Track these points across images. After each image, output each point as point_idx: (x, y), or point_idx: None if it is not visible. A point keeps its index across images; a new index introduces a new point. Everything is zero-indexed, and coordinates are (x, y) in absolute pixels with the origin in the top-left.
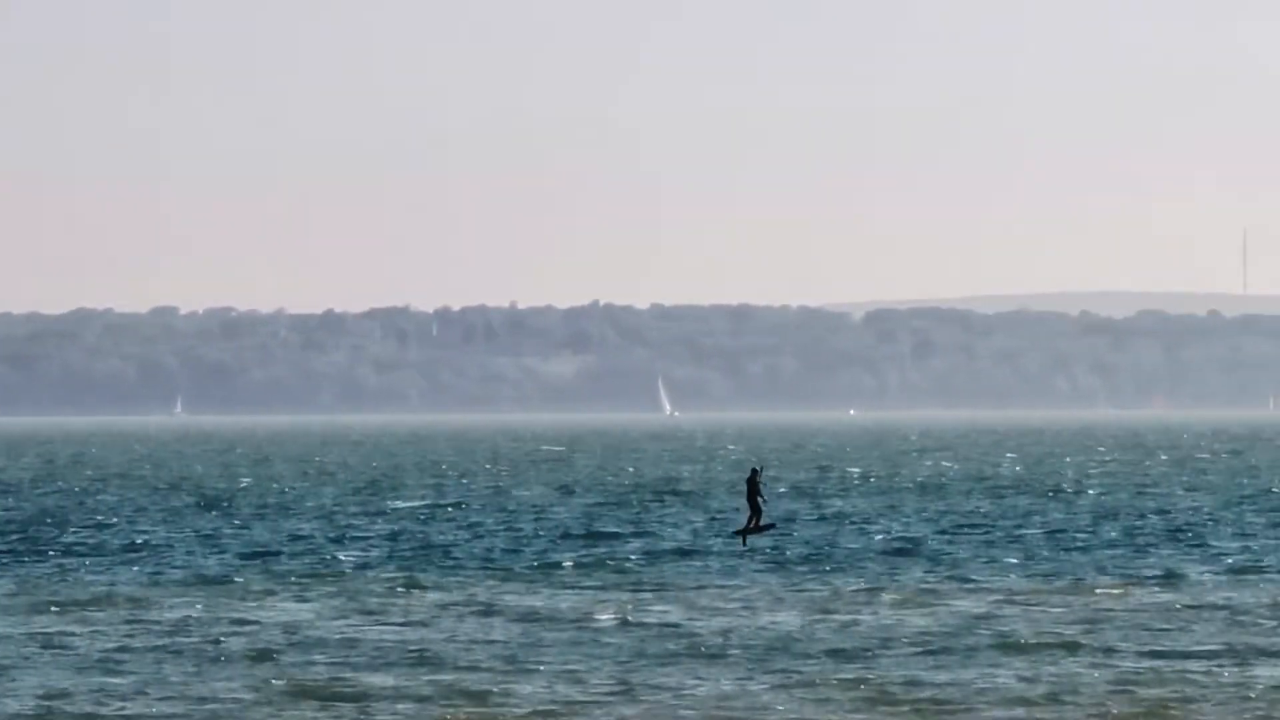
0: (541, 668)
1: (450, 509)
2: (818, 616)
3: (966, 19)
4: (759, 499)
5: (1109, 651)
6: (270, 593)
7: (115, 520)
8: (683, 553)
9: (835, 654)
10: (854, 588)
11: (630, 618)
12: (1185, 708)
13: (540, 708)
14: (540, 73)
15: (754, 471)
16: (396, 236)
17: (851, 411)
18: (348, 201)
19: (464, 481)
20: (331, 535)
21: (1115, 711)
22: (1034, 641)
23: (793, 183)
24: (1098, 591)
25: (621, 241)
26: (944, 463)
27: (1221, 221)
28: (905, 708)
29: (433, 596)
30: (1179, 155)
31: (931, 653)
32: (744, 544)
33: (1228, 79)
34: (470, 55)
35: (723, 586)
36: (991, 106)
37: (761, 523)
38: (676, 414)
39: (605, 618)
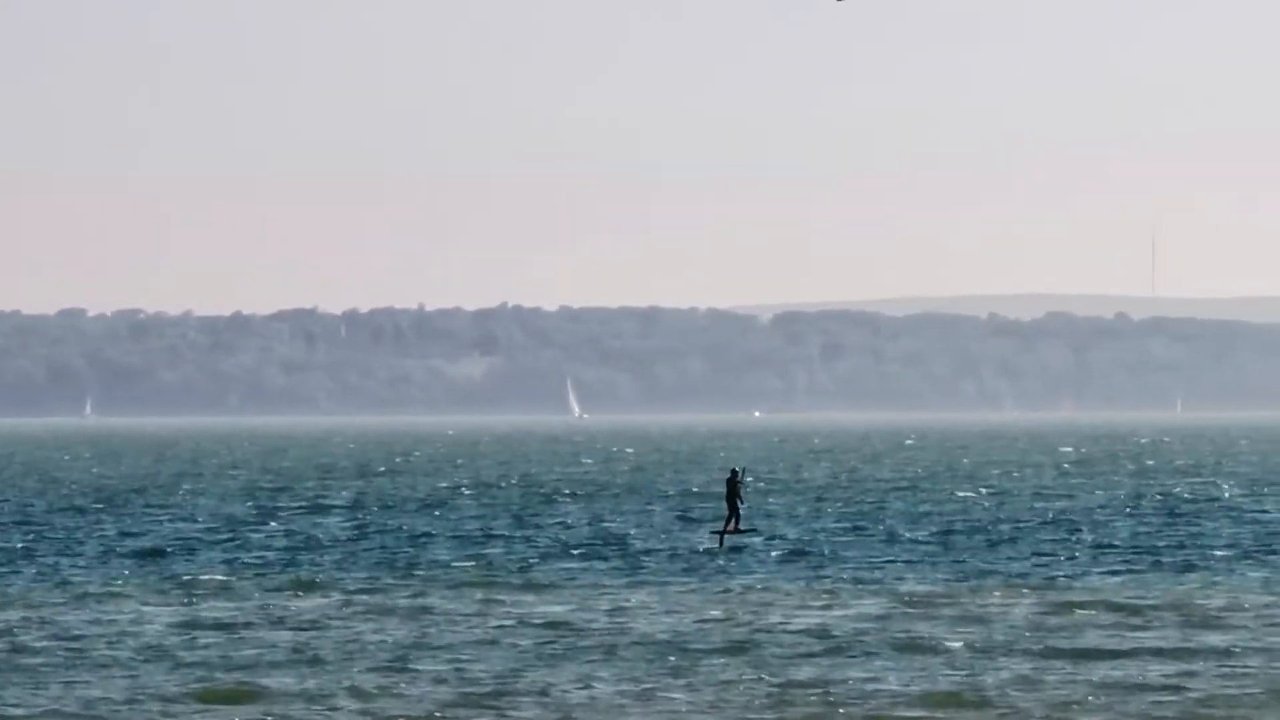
0: (435, 668)
1: (348, 509)
2: (714, 616)
3: (879, 26)
4: (738, 501)
5: (1009, 651)
6: (162, 593)
7: (10, 521)
8: (580, 553)
9: (732, 653)
10: (751, 588)
11: (525, 618)
12: (1084, 705)
13: (434, 709)
14: (448, 73)
15: (734, 473)
16: (304, 238)
17: (756, 414)
18: (255, 203)
19: (360, 482)
20: (226, 536)
21: (1015, 711)
22: (933, 642)
23: (701, 185)
24: (995, 593)
25: (530, 243)
26: (853, 464)
27: (1130, 224)
28: (804, 707)
29: (327, 597)
30: (1088, 157)
31: (831, 653)
32: (720, 545)
33: (1137, 81)
34: (387, 56)
35: (618, 587)
36: (901, 111)
37: (740, 526)
38: (585, 416)
39: (499, 617)
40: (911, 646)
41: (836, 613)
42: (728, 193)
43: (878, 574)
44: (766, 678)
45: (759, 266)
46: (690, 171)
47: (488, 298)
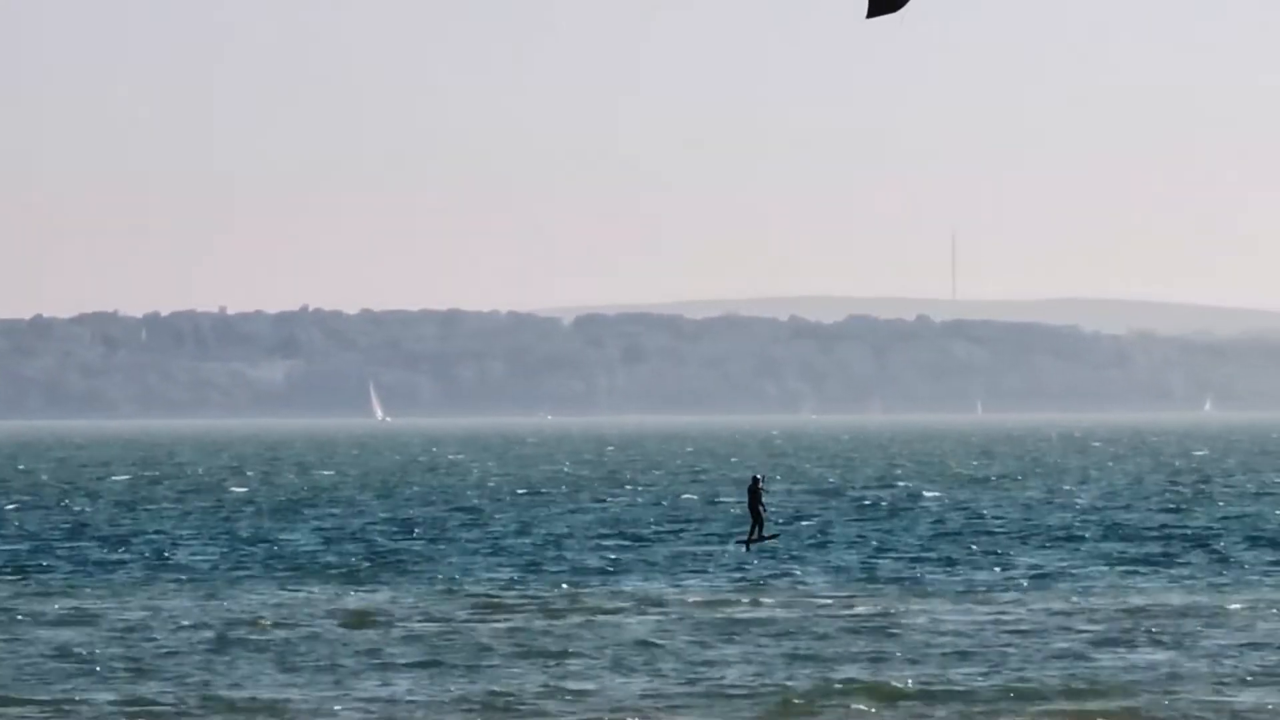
0: (201, 670)
1: (125, 509)
2: (425, 620)
3: (674, 29)
4: (760, 507)
5: (768, 660)
6: None
7: None
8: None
9: (430, 663)
10: (455, 588)
11: (284, 620)
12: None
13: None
14: (254, 78)
15: (755, 480)
16: (105, 241)
17: (548, 416)
18: (55, 205)
19: (125, 478)
20: None
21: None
22: (692, 644)
23: (501, 188)
24: (742, 597)
25: (331, 246)
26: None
27: (930, 228)
28: (532, 703)
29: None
30: (888, 160)
31: (555, 655)
32: (748, 550)
33: (937, 86)
34: (196, 58)
35: (363, 590)
36: (699, 116)
37: (764, 533)
38: (388, 419)
39: (282, 622)
40: (669, 648)
41: (557, 617)
42: (529, 196)
43: (634, 577)
44: (491, 681)
45: (560, 269)
46: (490, 174)
47: (288, 301)
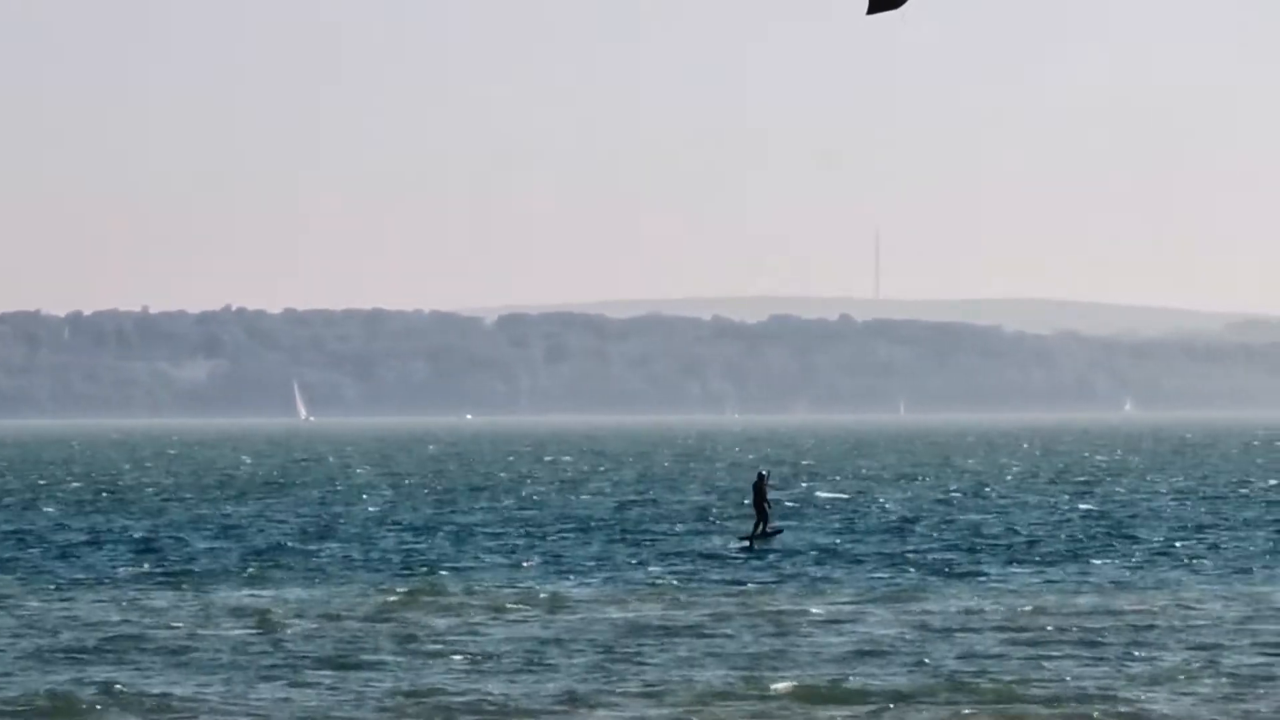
0: (110, 668)
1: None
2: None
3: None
4: (765, 504)
5: (641, 661)
6: None
7: None
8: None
9: (344, 665)
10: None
11: (192, 618)
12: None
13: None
14: (172, 79)
15: (760, 477)
16: (27, 240)
17: (469, 416)
18: None
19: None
20: None
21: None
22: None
23: (423, 185)
24: (631, 598)
25: (253, 245)
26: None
27: (853, 227)
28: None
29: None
30: (811, 160)
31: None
32: (751, 548)
33: (859, 84)
34: (113, 62)
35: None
36: (625, 116)
37: (768, 528)
38: (312, 418)
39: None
40: (557, 648)
41: (469, 616)
42: (452, 194)
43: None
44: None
45: (483, 268)
46: (412, 174)
47: (211, 300)
